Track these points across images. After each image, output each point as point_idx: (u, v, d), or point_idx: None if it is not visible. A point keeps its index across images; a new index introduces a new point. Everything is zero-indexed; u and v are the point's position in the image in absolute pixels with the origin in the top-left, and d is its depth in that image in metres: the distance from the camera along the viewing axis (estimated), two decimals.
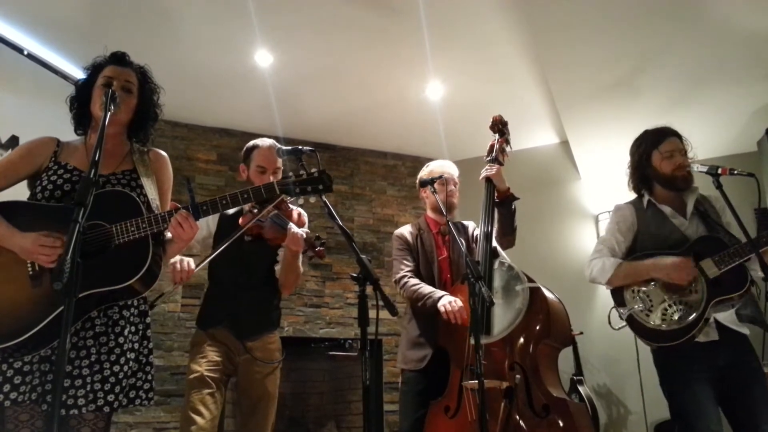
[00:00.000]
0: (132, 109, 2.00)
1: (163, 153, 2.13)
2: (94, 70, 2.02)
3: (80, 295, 1.65)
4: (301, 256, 2.57)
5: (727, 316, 2.34)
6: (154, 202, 1.94)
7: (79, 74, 2.08)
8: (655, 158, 2.52)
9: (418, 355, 2.75)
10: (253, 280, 2.61)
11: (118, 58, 2.03)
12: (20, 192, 1.93)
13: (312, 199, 1.91)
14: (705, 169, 2.35)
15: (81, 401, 1.72)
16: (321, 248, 2.42)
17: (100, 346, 1.79)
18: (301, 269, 2.67)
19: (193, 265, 2.36)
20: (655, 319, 2.38)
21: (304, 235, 2.41)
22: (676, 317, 2.33)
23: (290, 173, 1.91)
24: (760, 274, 2.27)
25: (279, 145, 2.41)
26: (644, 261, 2.44)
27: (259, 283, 2.64)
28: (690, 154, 2.54)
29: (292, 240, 2.41)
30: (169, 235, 1.90)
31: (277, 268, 2.68)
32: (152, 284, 1.83)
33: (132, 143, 2.06)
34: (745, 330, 2.35)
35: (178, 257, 2.33)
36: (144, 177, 1.97)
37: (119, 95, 1.87)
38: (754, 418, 2.22)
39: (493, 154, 2.88)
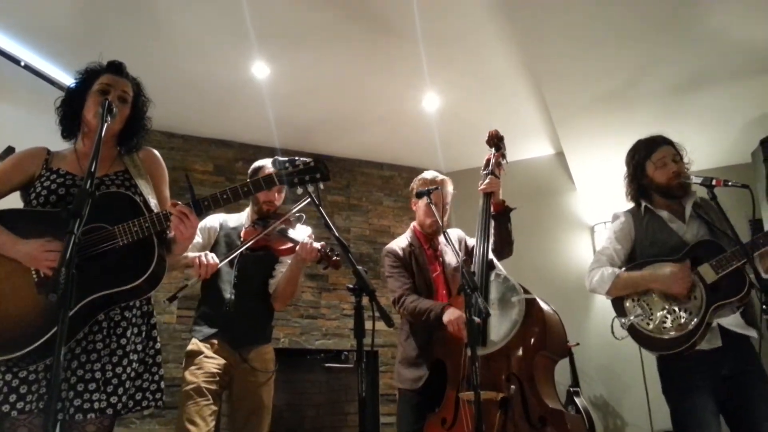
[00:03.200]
0: (125, 119, 2.01)
1: (154, 150, 2.12)
2: (88, 76, 2.01)
3: (87, 300, 1.66)
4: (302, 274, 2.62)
5: (731, 321, 2.31)
6: (151, 201, 1.94)
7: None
8: (649, 168, 2.53)
9: (414, 375, 2.71)
10: (248, 291, 2.62)
11: (116, 68, 2.04)
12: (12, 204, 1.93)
13: (311, 188, 1.91)
14: (699, 180, 2.36)
15: (96, 405, 1.71)
16: (336, 258, 2.46)
17: (104, 348, 1.79)
18: (299, 285, 2.70)
19: (217, 260, 2.42)
20: (656, 328, 2.36)
21: (318, 246, 2.48)
22: (676, 325, 2.32)
23: (287, 165, 1.90)
24: (764, 274, 2.26)
25: (276, 157, 2.42)
26: (642, 271, 2.44)
27: (254, 294, 2.65)
28: (685, 160, 2.54)
29: (306, 249, 2.47)
30: (172, 234, 1.90)
31: (272, 281, 2.69)
32: (157, 285, 1.82)
33: (121, 149, 2.07)
34: (751, 332, 2.31)
35: (201, 252, 2.41)
36: (137, 177, 1.97)
37: (115, 105, 1.88)
38: (755, 424, 2.19)
39: (489, 168, 2.88)
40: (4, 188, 1.90)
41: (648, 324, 2.38)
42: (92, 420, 1.74)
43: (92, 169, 1.50)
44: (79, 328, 1.72)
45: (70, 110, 2.00)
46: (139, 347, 1.89)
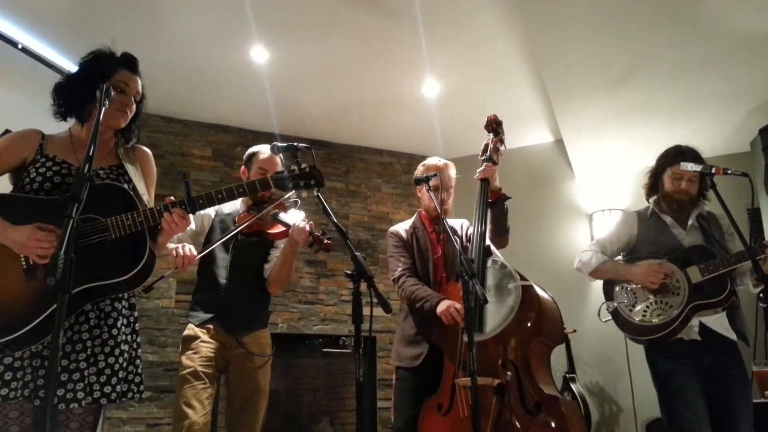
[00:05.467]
0: (131, 115, 2.02)
1: (147, 149, 2.14)
2: (103, 64, 1.95)
3: (76, 290, 1.66)
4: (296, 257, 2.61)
5: (714, 321, 2.48)
6: (144, 196, 1.95)
7: (74, 68, 2.03)
8: (666, 175, 2.69)
9: (413, 353, 2.75)
10: (243, 276, 2.63)
11: (132, 63, 2.01)
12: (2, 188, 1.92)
13: (304, 194, 1.95)
14: (699, 168, 2.41)
15: (80, 395, 1.72)
16: (328, 241, 2.47)
17: (94, 339, 1.79)
18: (294, 269, 2.70)
19: (194, 252, 2.40)
20: (637, 314, 2.56)
21: (308, 228, 2.49)
22: (656, 314, 2.51)
23: (283, 169, 1.96)
24: (752, 289, 2.47)
25: (275, 142, 2.42)
26: (626, 264, 2.67)
27: (249, 280, 2.66)
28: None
29: (298, 231, 2.47)
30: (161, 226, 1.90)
31: (267, 266, 2.70)
32: (146, 278, 1.83)
33: (117, 140, 2.06)
34: (732, 335, 2.48)
35: (178, 243, 2.39)
36: (131, 172, 1.98)
37: (127, 103, 1.92)
38: (733, 424, 2.35)
39: (488, 153, 2.88)
40: None
41: (630, 310, 2.58)
42: (76, 409, 1.74)
43: (90, 154, 1.49)
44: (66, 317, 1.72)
45: (82, 94, 1.91)
46: (128, 338, 1.91)
